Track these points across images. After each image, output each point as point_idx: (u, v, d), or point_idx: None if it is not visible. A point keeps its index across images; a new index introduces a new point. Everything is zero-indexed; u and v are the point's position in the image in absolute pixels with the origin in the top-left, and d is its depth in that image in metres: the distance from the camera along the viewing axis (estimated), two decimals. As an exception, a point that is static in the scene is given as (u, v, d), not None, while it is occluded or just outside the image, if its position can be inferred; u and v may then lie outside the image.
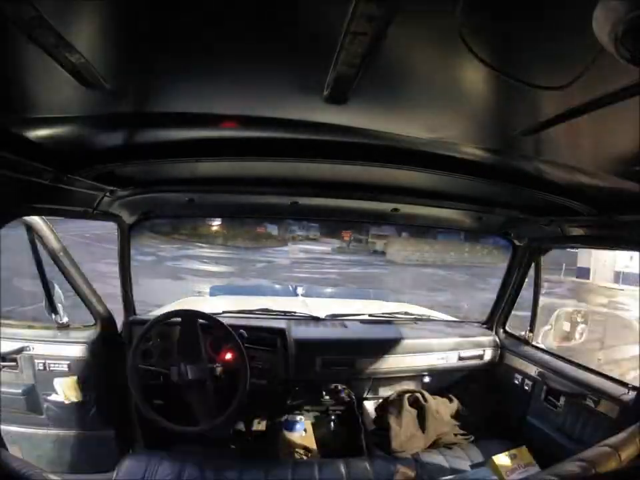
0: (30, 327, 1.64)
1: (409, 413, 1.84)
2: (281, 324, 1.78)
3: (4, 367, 1.47)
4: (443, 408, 1.92)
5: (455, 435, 1.75)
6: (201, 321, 1.49)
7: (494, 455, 1.41)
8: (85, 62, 0.50)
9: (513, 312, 1.96)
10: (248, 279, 9.66)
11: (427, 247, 12.98)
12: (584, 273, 11.91)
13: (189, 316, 1.49)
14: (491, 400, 1.91)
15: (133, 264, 1.72)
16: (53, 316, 1.59)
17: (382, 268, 12.30)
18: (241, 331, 1.66)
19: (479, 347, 1.89)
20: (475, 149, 0.86)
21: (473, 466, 1.44)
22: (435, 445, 1.64)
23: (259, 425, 1.80)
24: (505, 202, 1.44)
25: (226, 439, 1.74)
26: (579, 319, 1.71)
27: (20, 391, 1.52)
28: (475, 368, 1.91)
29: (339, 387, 1.83)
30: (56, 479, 0.63)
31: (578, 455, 0.66)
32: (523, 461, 1.39)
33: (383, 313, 2.08)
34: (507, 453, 1.41)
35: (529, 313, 1.82)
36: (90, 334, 1.59)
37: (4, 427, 0.93)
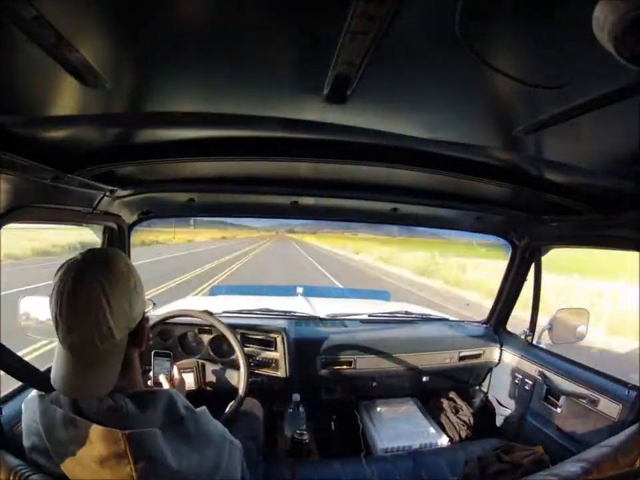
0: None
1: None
2: (281, 324, 1.78)
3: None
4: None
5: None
6: (200, 320, 1.49)
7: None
8: (85, 62, 0.50)
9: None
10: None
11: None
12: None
13: (189, 316, 1.49)
14: (490, 400, 1.91)
15: None
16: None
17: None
18: (241, 330, 1.67)
19: (479, 347, 1.90)
20: (475, 148, 0.86)
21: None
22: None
23: None
24: (505, 202, 1.44)
25: None
26: (578, 319, 1.70)
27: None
28: (475, 367, 1.91)
29: (339, 387, 1.83)
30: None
31: (578, 455, 0.66)
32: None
33: (382, 313, 2.08)
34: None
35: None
36: None
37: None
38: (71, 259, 0.63)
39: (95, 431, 0.58)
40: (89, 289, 0.59)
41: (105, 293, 0.59)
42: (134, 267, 0.69)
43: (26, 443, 0.64)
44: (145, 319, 0.69)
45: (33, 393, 0.68)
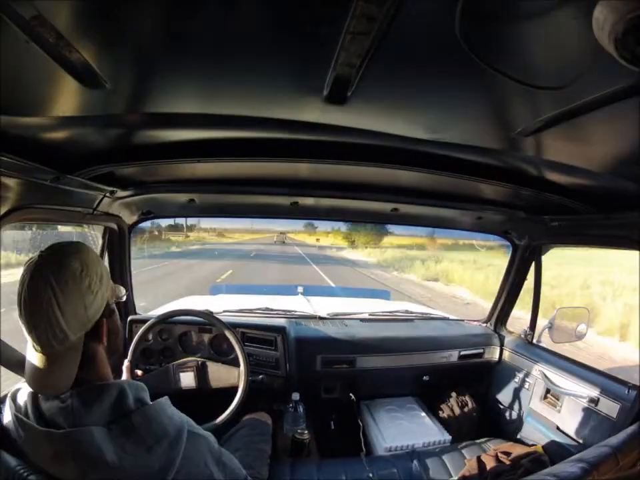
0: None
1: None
2: (281, 322, 1.78)
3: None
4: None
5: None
6: (200, 319, 1.49)
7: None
8: (85, 62, 0.50)
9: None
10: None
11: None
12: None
13: (189, 315, 1.49)
14: (490, 399, 1.92)
15: None
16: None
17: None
18: (241, 329, 1.67)
19: (479, 346, 1.90)
20: (475, 149, 0.86)
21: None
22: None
23: None
24: (505, 202, 1.44)
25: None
26: (578, 318, 1.70)
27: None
28: (475, 366, 1.91)
29: (339, 386, 1.84)
30: None
31: (578, 455, 0.66)
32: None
33: (383, 312, 2.08)
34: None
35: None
36: None
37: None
38: (31, 258, 0.64)
39: (38, 432, 0.60)
40: (40, 292, 0.60)
41: (55, 296, 0.60)
42: (96, 262, 0.68)
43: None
44: (107, 314, 0.69)
45: (11, 392, 0.69)
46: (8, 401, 0.66)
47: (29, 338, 0.62)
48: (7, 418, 0.65)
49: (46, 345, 0.61)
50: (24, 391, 0.66)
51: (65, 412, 0.61)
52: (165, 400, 0.69)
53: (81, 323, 0.63)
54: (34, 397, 0.64)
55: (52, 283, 0.60)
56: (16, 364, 0.94)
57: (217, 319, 1.44)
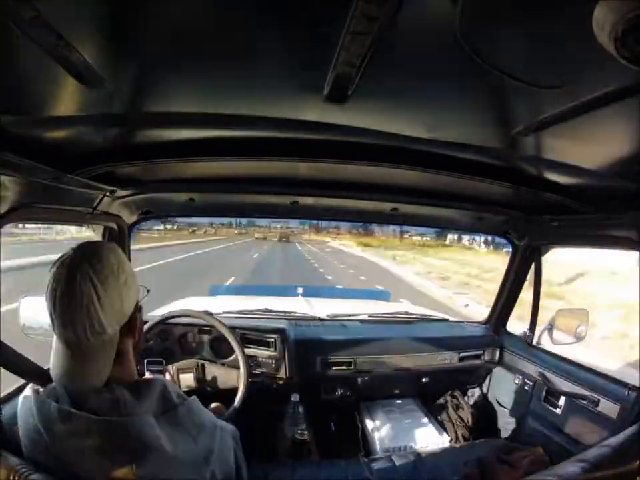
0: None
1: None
2: (280, 324, 1.78)
3: None
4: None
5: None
6: (200, 321, 1.49)
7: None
8: (85, 62, 0.50)
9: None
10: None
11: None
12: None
13: (189, 316, 1.49)
14: (490, 400, 1.91)
15: None
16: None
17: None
18: (241, 331, 1.67)
19: (478, 347, 1.90)
20: (475, 149, 0.87)
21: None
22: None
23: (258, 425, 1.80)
24: (505, 202, 1.44)
25: None
26: (578, 319, 1.70)
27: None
28: (475, 368, 1.91)
29: (339, 387, 1.83)
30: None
31: (578, 455, 0.66)
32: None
33: (382, 313, 2.08)
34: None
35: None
36: None
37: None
38: (63, 255, 0.64)
39: (93, 422, 0.60)
40: (78, 287, 0.60)
41: (95, 291, 0.61)
42: (127, 260, 0.70)
43: (24, 440, 0.64)
44: (137, 309, 0.71)
45: (29, 388, 0.67)
46: (34, 398, 0.64)
47: (61, 335, 0.62)
48: (26, 415, 0.63)
49: (83, 340, 0.61)
50: (50, 388, 0.65)
51: (117, 404, 0.62)
52: (196, 398, 0.74)
53: (118, 317, 0.64)
54: (72, 391, 0.64)
55: (92, 277, 0.61)
56: (15, 365, 0.94)
57: (217, 320, 1.44)
